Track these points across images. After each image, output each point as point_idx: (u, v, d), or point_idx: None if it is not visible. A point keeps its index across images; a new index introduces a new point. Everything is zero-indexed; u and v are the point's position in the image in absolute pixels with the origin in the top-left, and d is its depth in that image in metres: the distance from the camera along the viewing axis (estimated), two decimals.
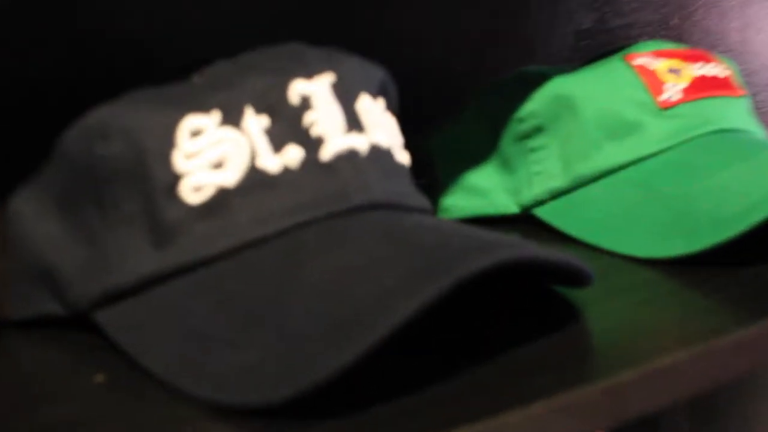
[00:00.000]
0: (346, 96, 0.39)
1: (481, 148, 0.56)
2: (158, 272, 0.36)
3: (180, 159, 0.36)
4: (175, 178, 0.36)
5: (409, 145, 0.55)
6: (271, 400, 0.27)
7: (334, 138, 0.38)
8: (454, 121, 0.59)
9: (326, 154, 0.37)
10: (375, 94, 0.42)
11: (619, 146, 0.51)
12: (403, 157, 0.42)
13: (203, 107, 0.37)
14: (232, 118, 0.37)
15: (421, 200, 0.42)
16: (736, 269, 0.42)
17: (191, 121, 0.37)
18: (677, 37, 0.87)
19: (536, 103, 0.53)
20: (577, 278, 0.36)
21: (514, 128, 0.54)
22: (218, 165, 0.36)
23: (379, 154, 0.39)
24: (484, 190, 0.55)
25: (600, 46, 0.80)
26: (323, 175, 0.37)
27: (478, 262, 0.29)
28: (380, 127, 0.40)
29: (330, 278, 0.31)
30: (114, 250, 0.37)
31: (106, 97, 0.39)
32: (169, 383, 0.31)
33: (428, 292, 0.28)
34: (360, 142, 0.38)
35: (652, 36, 0.84)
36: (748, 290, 0.40)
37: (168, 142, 0.37)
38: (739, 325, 0.35)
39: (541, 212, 0.53)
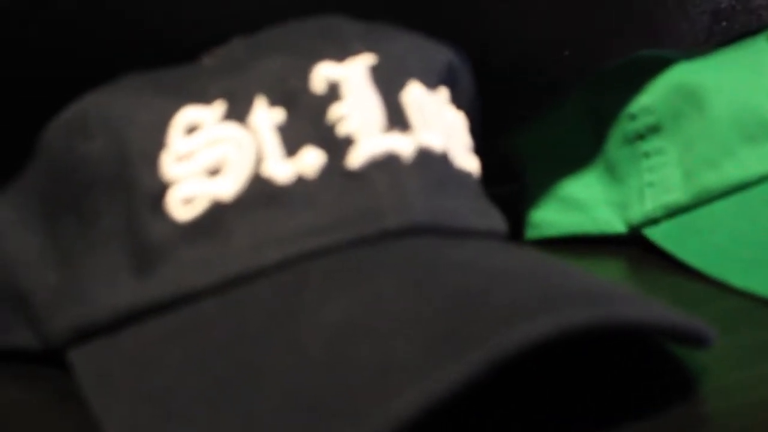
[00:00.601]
0: (388, 84, 0.32)
1: (581, 150, 0.51)
2: (135, 307, 0.30)
3: (170, 162, 0.31)
4: (162, 187, 0.31)
5: (491, 146, 0.50)
6: None
7: (368, 138, 0.31)
8: (548, 117, 0.54)
9: (355, 159, 0.30)
10: (434, 82, 0.35)
11: (758, 153, 0.45)
12: (468, 164, 0.35)
13: (204, 97, 0.31)
14: (238, 111, 0.31)
15: (487, 220, 0.35)
16: None
17: (188, 114, 0.31)
18: None
19: (652, 96, 0.48)
20: (694, 339, 0.28)
21: (624, 127, 0.49)
22: (215, 171, 0.30)
23: (429, 161, 0.32)
24: (583, 203, 0.51)
25: (741, 28, 0.73)
26: (349, 187, 0.30)
27: (531, 327, 0.21)
28: (435, 125, 0.33)
29: (327, 339, 0.24)
30: (90, 274, 0.32)
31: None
32: None
33: (448, 376, 0.20)
34: (403, 145, 0.31)
35: None
36: None
37: (157, 141, 0.31)
38: None
39: (654, 233, 0.47)
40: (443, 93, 0.35)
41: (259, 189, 0.30)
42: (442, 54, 0.37)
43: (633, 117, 0.48)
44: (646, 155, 0.48)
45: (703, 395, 0.29)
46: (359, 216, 0.30)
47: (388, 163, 0.31)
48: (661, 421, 0.27)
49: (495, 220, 0.36)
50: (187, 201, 0.30)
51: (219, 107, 0.31)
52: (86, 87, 0.34)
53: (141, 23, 0.52)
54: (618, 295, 0.27)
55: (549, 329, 0.21)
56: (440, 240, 0.30)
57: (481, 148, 0.43)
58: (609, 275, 0.44)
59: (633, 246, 0.49)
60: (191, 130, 0.31)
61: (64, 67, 0.50)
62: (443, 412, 0.23)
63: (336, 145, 0.31)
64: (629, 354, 0.32)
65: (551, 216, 0.51)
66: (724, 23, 0.74)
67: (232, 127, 0.31)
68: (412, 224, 0.30)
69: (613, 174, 0.49)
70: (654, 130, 0.48)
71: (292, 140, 0.31)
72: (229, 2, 0.54)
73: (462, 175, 0.34)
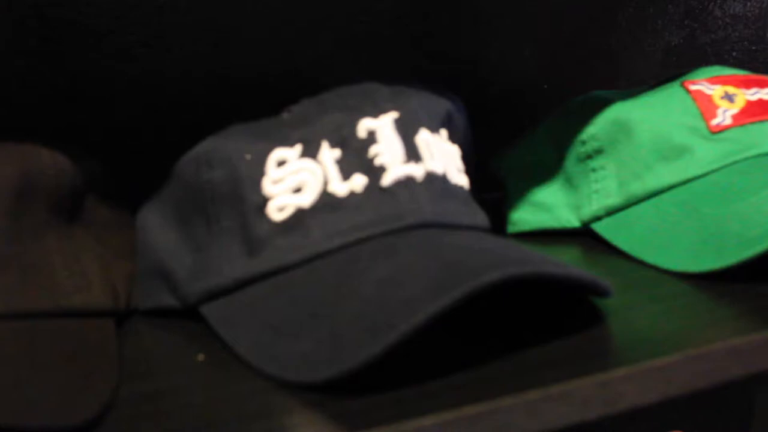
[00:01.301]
0: (406, 131, 0.46)
1: (547, 166, 0.61)
2: (248, 276, 0.44)
3: (268, 184, 0.44)
4: (264, 200, 0.44)
5: (485, 163, 0.62)
6: (316, 379, 0.35)
7: (394, 167, 0.45)
8: (524, 141, 0.64)
9: (386, 180, 0.44)
10: (437, 127, 0.48)
11: (669, 168, 0.56)
12: (460, 180, 0.49)
13: (288, 141, 0.45)
14: (311, 151, 0.45)
15: (472, 218, 0.48)
16: (757, 284, 0.47)
17: (278, 153, 0.45)
18: None
19: (597, 127, 0.58)
20: (595, 290, 0.42)
21: (577, 149, 0.59)
22: (298, 189, 0.44)
23: (434, 180, 0.46)
24: (549, 206, 0.61)
25: (689, 62, 0.84)
26: (383, 198, 0.44)
27: (489, 276, 0.36)
28: (437, 157, 0.47)
29: (373, 287, 0.39)
30: (216, 257, 0.45)
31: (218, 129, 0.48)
32: (249, 363, 0.39)
33: (441, 302, 0.35)
34: (416, 171, 0.45)
35: (744, 52, 0.86)
36: (759, 304, 0.44)
37: (259, 171, 0.45)
38: (739, 335, 0.40)
39: (598, 227, 0.58)
40: (443, 133, 0.49)
41: (326, 200, 0.44)
42: (443, 105, 0.50)
43: (584, 142, 0.58)
44: (593, 170, 0.58)
45: (602, 327, 0.43)
46: (390, 217, 0.44)
47: (407, 183, 0.44)
48: (569, 341, 0.41)
49: (480, 218, 0.49)
50: (280, 209, 0.44)
51: (298, 148, 0.45)
52: (204, 132, 0.48)
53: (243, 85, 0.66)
54: (550, 261, 0.41)
55: (499, 276, 0.36)
56: (442, 231, 0.44)
57: (475, 164, 0.56)
58: (566, 258, 0.55)
59: (584, 237, 0.59)
60: (281, 163, 0.44)
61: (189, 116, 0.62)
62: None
63: (374, 172, 0.44)
64: (560, 301, 0.46)
65: (525, 215, 0.61)
66: (675, 57, 0.83)
67: (308, 162, 0.44)
68: (424, 221, 0.44)
69: (570, 184, 0.59)
70: (598, 151, 0.58)
71: (346, 169, 0.44)
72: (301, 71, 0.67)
73: (456, 189, 0.48)
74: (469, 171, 0.53)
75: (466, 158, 0.52)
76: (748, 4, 0.86)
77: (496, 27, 0.76)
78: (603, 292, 0.42)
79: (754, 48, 0.87)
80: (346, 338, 0.37)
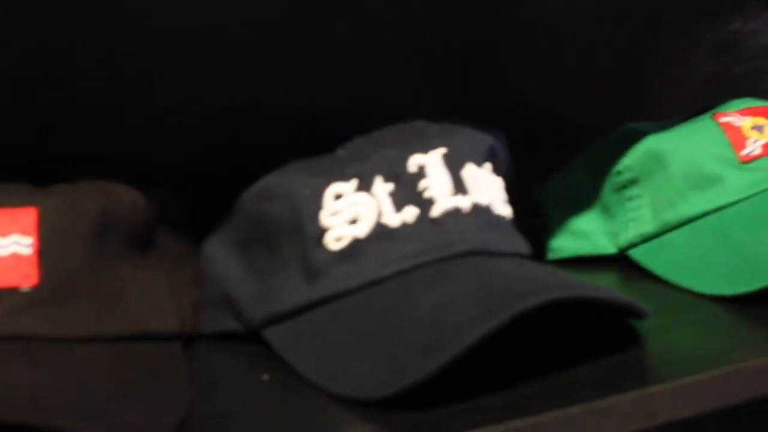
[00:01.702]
0: (454, 165, 0.49)
1: (585, 196, 0.64)
2: (308, 302, 0.47)
3: (326, 216, 0.48)
4: (322, 231, 0.48)
5: (527, 193, 0.65)
6: (376, 396, 0.39)
7: (443, 199, 0.48)
8: (564, 173, 0.67)
9: (436, 211, 0.48)
10: (481, 161, 0.52)
11: (702, 196, 0.58)
12: (504, 211, 0.52)
13: (344, 177, 0.48)
14: (366, 185, 0.48)
15: (515, 245, 0.51)
16: None
17: (335, 188, 0.48)
18: None
19: (632, 158, 0.61)
20: (633, 313, 0.45)
21: (614, 180, 0.62)
22: (354, 221, 0.47)
23: (479, 211, 0.49)
24: (587, 234, 0.63)
25: (722, 92, 0.84)
26: (433, 228, 0.47)
27: (534, 300, 0.39)
28: (483, 189, 0.50)
29: (426, 311, 0.42)
30: (277, 285, 0.49)
31: (277, 165, 0.52)
32: (313, 382, 0.43)
33: (490, 324, 0.38)
34: (463, 202, 0.48)
35: None
36: None
37: (317, 204, 0.48)
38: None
39: (634, 253, 0.60)
40: (487, 167, 0.52)
41: (381, 230, 0.47)
42: (487, 141, 0.53)
43: (619, 173, 0.61)
44: (629, 199, 0.61)
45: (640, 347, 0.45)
46: (439, 245, 0.47)
47: (455, 214, 0.47)
48: (622, 362, 0.44)
49: (523, 246, 0.52)
50: (338, 239, 0.47)
51: (354, 183, 0.48)
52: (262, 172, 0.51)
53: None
54: (590, 285, 0.44)
55: (543, 300, 0.39)
56: (487, 258, 0.47)
57: (517, 194, 0.58)
58: (604, 283, 0.57)
59: (621, 263, 0.61)
60: (338, 197, 0.48)
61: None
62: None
63: (424, 204, 0.47)
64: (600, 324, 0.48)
65: (564, 243, 0.64)
66: (709, 89, 0.84)
67: (363, 195, 0.47)
68: (471, 249, 0.47)
69: (607, 213, 0.62)
70: (633, 182, 0.60)
71: (398, 201, 0.47)
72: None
73: (500, 219, 0.51)
74: (512, 201, 0.55)
75: (508, 189, 0.55)
76: None
77: (537, 64, 0.79)
78: (640, 314, 0.45)
79: None
80: (403, 358, 0.40)
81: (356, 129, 0.53)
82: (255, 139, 0.66)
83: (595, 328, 0.48)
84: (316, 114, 0.69)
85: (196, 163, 0.65)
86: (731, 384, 0.42)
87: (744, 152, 0.58)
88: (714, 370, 0.42)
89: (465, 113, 0.57)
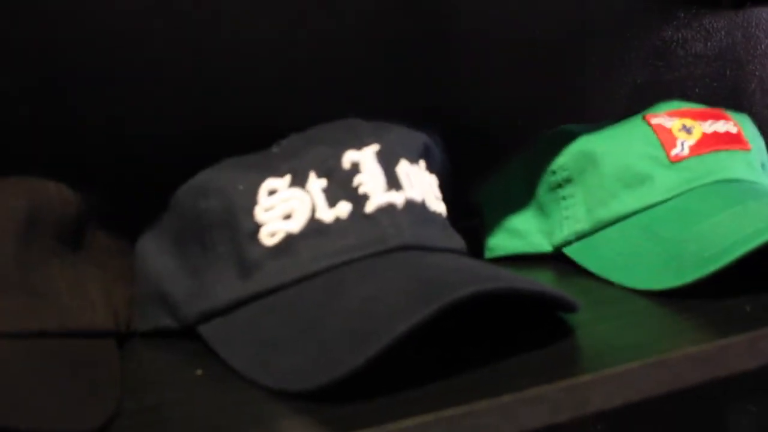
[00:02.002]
0: (387, 162, 0.50)
1: (521, 195, 0.65)
2: (242, 298, 0.47)
3: (260, 212, 0.48)
4: (257, 227, 0.48)
5: (464, 193, 0.66)
6: (306, 387, 0.39)
7: (376, 195, 0.48)
8: (499, 173, 0.68)
9: (369, 207, 0.48)
10: (415, 158, 0.52)
11: (633, 195, 0.59)
12: (438, 207, 0.52)
13: (278, 172, 0.48)
14: (300, 181, 0.48)
15: (449, 241, 0.52)
16: (712, 300, 0.51)
17: (269, 183, 0.48)
18: (733, 87, 0.93)
19: (566, 158, 0.62)
20: (564, 305, 0.46)
21: (548, 179, 0.63)
22: (288, 216, 0.48)
23: (413, 207, 0.49)
24: (523, 232, 0.64)
25: (654, 98, 0.86)
26: (366, 224, 0.48)
27: (464, 291, 0.39)
28: (416, 186, 0.50)
29: (357, 304, 0.42)
30: (212, 281, 0.49)
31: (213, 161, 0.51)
32: (246, 376, 0.42)
33: (420, 315, 0.38)
34: (397, 198, 0.49)
35: (705, 88, 0.91)
36: (715, 317, 0.48)
37: (252, 200, 0.48)
38: (694, 344, 0.44)
39: (568, 251, 0.61)
40: (422, 164, 0.52)
41: (314, 226, 0.47)
42: (420, 139, 0.53)
43: (554, 172, 0.62)
44: (563, 198, 0.61)
45: (570, 338, 0.46)
46: (373, 241, 0.47)
47: (389, 210, 0.48)
48: (554, 353, 0.44)
49: (457, 242, 0.53)
50: (272, 234, 0.47)
51: (288, 178, 0.48)
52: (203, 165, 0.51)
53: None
54: (520, 278, 0.44)
55: (473, 291, 0.39)
56: (421, 253, 0.47)
57: (453, 193, 0.58)
58: (540, 280, 0.53)
59: (557, 260, 0.62)
60: (272, 192, 0.48)
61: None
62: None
63: (358, 200, 0.48)
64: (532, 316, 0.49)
65: (501, 242, 0.64)
66: (641, 95, 0.86)
67: (297, 191, 0.47)
68: (404, 244, 0.47)
69: (542, 211, 0.63)
70: (567, 180, 0.61)
71: (332, 197, 0.47)
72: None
73: (434, 215, 0.51)
74: (447, 199, 0.56)
75: (443, 187, 0.55)
76: (708, 44, 0.91)
77: (472, 67, 0.80)
78: (570, 307, 0.46)
79: (715, 84, 0.92)
80: (333, 350, 0.40)
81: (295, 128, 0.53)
82: (189, 138, 0.67)
83: (528, 322, 0.49)
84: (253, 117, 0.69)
85: (129, 160, 0.64)
86: (659, 373, 0.42)
87: (674, 152, 0.60)
88: (641, 360, 0.43)
89: (407, 115, 0.58)
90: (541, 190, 0.64)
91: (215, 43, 0.68)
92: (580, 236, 0.61)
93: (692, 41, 0.91)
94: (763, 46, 0.95)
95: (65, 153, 0.62)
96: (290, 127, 0.53)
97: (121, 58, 0.65)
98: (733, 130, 0.62)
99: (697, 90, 0.91)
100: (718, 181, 0.59)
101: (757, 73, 0.95)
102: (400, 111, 0.67)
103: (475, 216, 0.69)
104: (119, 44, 0.64)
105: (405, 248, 0.48)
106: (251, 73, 0.70)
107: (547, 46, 0.84)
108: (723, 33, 0.92)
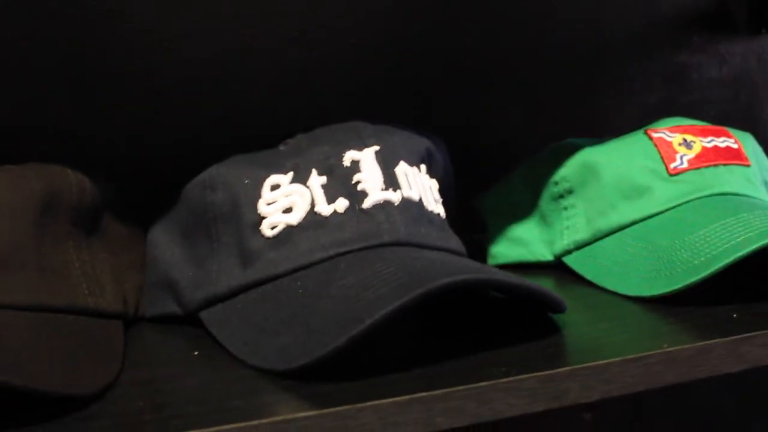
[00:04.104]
0: (387, 162, 0.52)
1: (524, 206, 0.67)
2: (242, 285, 0.49)
3: (263, 205, 0.50)
4: (259, 219, 0.50)
5: (471, 204, 0.68)
6: (292, 367, 0.41)
7: (374, 192, 0.50)
8: (503, 183, 0.70)
9: (366, 204, 0.50)
10: (416, 161, 0.54)
11: (631, 206, 0.61)
12: (436, 209, 0.54)
13: (282, 169, 0.51)
14: (301, 177, 0.50)
15: (446, 242, 0.53)
16: (701, 307, 0.52)
17: (273, 179, 0.50)
18: (746, 111, 0.94)
19: (568, 169, 0.64)
20: (549, 303, 0.48)
21: (551, 190, 0.65)
22: (288, 210, 0.50)
23: (410, 206, 0.51)
24: (525, 241, 0.66)
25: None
26: (362, 219, 0.50)
27: (445, 280, 0.41)
28: (414, 186, 0.52)
29: (345, 291, 0.44)
30: (215, 269, 0.51)
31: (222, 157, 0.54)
32: (238, 357, 0.45)
33: (401, 301, 0.40)
34: (394, 197, 0.51)
35: (721, 111, 0.92)
36: (700, 322, 0.49)
37: (256, 194, 0.50)
38: (673, 345, 0.45)
39: (568, 260, 0.63)
40: (423, 167, 0.54)
41: (313, 219, 0.49)
42: (422, 143, 0.55)
43: (556, 183, 0.63)
44: (565, 209, 0.63)
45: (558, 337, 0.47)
46: (368, 235, 0.49)
47: (385, 206, 0.50)
48: (535, 348, 0.45)
49: (454, 243, 0.54)
50: (273, 226, 0.49)
51: (290, 174, 0.50)
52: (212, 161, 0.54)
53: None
54: (504, 273, 0.46)
55: (453, 280, 0.41)
56: (414, 249, 0.49)
57: (456, 196, 0.60)
58: None
59: (557, 269, 0.64)
60: (275, 187, 0.50)
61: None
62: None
63: (356, 196, 0.50)
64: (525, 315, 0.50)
65: (504, 250, 0.66)
66: (653, 117, 0.88)
67: (298, 186, 0.50)
68: (398, 240, 0.49)
69: (544, 221, 0.64)
70: (569, 191, 0.63)
71: (331, 193, 0.50)
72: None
73: (432, 216, 0.53)
74: (448, 202, 0.58)
75: (445, 191, 0.57)
76: (723, 68, 0.92)
77: (486, 88, 0.82)
78: (557, 305, 0.47)
79: (729, 109, 0.92)
80: (319, 332, 0.42)
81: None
82: (214, 140, 0.70)
83: (520, 322, 0.50)
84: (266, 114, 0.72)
85: (144, 155, 0.68)
86: (637, 370, 0.44)
87: (673, 165, 0.61)
88: (620, 356, 0.44)
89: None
90: (544, 200, 0.65)
91: (233, 43, 0.71)
92: (580, 246, 0.63)
93: (707, 66, 0.92)
94: None
95: (86, 147, 0.65)
96: (299, 127, 0.56)
97: (140, 59, 0.68)
98: (734, 146, 0.63)
99: (711, 113, 0.92)
100: (714, 195, 0.60)
101: None
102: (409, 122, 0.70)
103: (481, 229, 0.70)
104: (139, 46, 0.68)
105: (399, 244, 0.49)
106: (264, 74, 0.72)
107: (561, 68, 0.86)
108: (738, 58, 0.93)
